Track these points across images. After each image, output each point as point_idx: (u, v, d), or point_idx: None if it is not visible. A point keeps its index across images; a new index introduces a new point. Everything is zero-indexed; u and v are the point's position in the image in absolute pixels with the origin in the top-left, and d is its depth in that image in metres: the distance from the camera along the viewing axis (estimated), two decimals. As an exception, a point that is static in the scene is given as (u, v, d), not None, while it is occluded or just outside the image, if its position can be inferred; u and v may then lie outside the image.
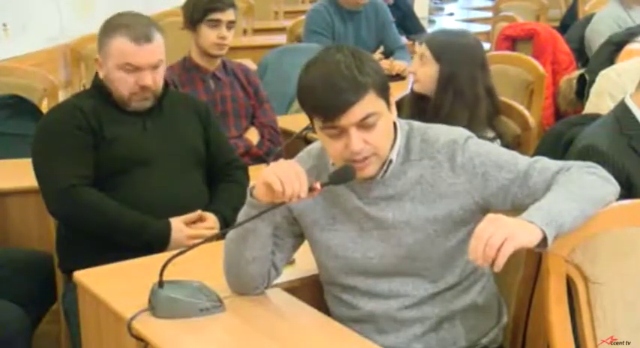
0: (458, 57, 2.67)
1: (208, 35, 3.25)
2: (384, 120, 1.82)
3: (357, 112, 1.76)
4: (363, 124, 1.78)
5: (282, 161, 1.86)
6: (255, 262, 1.92)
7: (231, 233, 1.94)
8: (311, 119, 1.84)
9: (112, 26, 2.45)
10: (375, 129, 1.80)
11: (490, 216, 1.67)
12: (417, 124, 1.96)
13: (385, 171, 1.88)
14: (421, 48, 2.73)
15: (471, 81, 2.67)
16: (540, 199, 1.74)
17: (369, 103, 1.77)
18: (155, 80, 2.45)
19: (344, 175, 1.84)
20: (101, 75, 2.50)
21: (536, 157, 1.89)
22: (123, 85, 2.44)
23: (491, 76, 2.79)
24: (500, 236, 1.61)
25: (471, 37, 2.86)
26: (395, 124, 1.90)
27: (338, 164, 1.86)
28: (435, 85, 2.67)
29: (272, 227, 1.93)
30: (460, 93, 2.64)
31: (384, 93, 1.82)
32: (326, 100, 1.76)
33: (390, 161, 1.88)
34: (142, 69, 2.43)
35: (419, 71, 2.72)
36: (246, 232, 1.89)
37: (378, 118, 1.80)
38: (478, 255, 1.61)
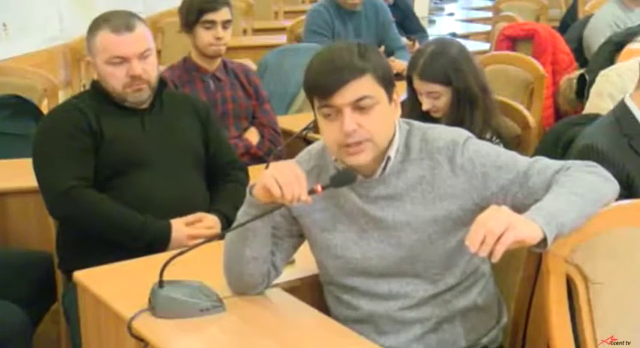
0: (461, 67, 2.65)
1: (204, 37, 3.25)
2: (381, 107, 1.81)
3: (351, 91, 1.77)
4: (358, 106, 1.78)
5: (281, 163, 1.86)
6: (254, 261, 1.92)
7: (230, 232, 1.94)
8: (312, 102, 1.85)
9: (94, 24, 2.47)
10: (371, 114, 1.80)
11: (493, 206, 1.67)
12: (416, 123, 1.96)
13: (384, 168, 1.88)
14: (422, 86, 2.67)
15: (477, 82, 2.66)
16: (540, 199, 1.74)
17: (365, 85, 1.78)
18: (145, 70, 2.45)
19: (345, 178, 1.84)
20: (95, 75, 2.50)
21: (536, 157, 1.89)
22: (114, 79, 2.44)
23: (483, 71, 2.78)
24: (503, 224, 1.60)
25: (452, 41, 2.83)
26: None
27: (334, 154, 1.86)
28: (450, 105, 2.66)
29: (270, 226, 1.93)
30: (474, 99, 2.64)
31: (384, 82, 1.82)
32: (322, 77, 1.78)
33: (389, 158, 1.88)
34: (129, 59, 2.42)
35: (435, 105, 2.68)
36: (245, 231, 1.89)
37: (375, 103, 1.80)
38: (476, 242, 1.60)
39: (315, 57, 1.85)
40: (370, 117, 1.80)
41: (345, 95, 1.77)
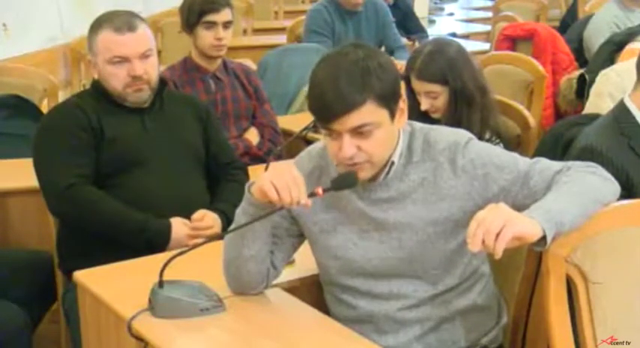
0: (458, 67, 2.64)
1: (205, 37, 3.26)
2: (382, 130, 1.80)
3: (351, 120, 1.75)
4: (357, 132, 1.77)
5: (280, 165, 1.86)
6: (253, 260, 1.92)
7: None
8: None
9: (96, 24, 2.47)
10: (371, 138, 1.79)
11: (492, 205, 1.67)
12: (418, 125, 1.96)
13: (387, 173, 1.88)
14: (420, 86, 2.67)
15: (475, 82, 2.66)
16: (541, 199, 1.74)
17: (366, 113, 1.76)
18: (146, 70, 2.45)
19: (346, 181, 1.83)
20: (95, 75, 2.50)
21: (537, 158, 1.89)
22: (115, 79, 2.44)
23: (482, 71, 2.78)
24: (501, 221, 1.60)
25: (450, 41, 2.83)
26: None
27: (335, 163, 1.86)
28: (448, 105, 2.66)
29: (270, 225, 1.93)
30: (471, 99, 2.63)
31: (387, 102, 1.79)
32: (322, 103, 1.76)
33: (392, 163, 1.88)
34: (130, 59, 2.42)
35: (434, 105, 2.67)
36: (244, 230, 1.89)
37: (375, 128, 1.78)
38: (475, 239, 1.60)
39: (320, 68, 1.80)
40: (370, 141, 1.79)
41: (345, 123, 1.76)
